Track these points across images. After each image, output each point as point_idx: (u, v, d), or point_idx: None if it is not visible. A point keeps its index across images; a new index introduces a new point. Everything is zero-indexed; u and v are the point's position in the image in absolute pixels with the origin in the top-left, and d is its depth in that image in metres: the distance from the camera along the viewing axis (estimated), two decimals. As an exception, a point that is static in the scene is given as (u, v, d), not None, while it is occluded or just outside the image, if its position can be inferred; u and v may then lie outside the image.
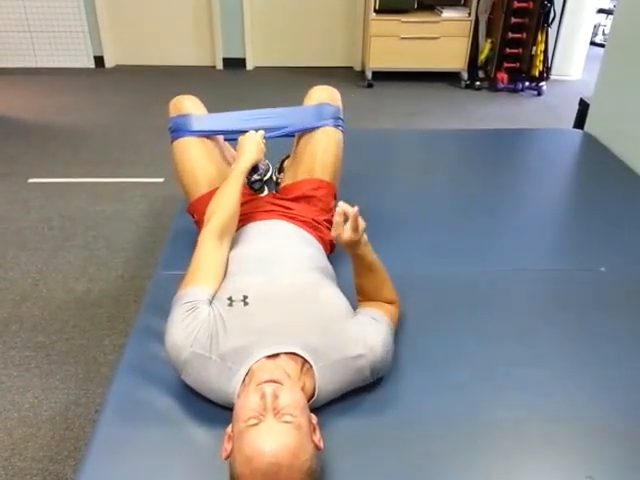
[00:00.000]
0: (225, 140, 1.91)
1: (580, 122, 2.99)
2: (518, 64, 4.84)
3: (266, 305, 1.26)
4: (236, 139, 1.75)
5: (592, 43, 5.42)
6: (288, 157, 2.00)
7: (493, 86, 4.93)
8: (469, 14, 4.75)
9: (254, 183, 2.02)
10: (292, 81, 5.04)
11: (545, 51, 4.71)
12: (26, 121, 4.19)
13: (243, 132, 1.74)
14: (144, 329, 1.49)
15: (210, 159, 1.77)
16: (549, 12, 4.57)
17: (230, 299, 1.27)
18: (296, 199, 1.74)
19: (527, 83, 4.87)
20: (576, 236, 1.98)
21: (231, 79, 5.19)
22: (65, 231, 2.88)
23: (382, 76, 5.00)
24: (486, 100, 4.77)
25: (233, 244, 1.49)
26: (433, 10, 4.82)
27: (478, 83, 4.96)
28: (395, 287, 1.45)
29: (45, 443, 1.80)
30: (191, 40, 5.33)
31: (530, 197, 2.22)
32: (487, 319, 1.56)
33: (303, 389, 1.15)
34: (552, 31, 4.78)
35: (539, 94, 4.85)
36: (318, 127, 1.80)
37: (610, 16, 5.80)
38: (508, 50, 4.77)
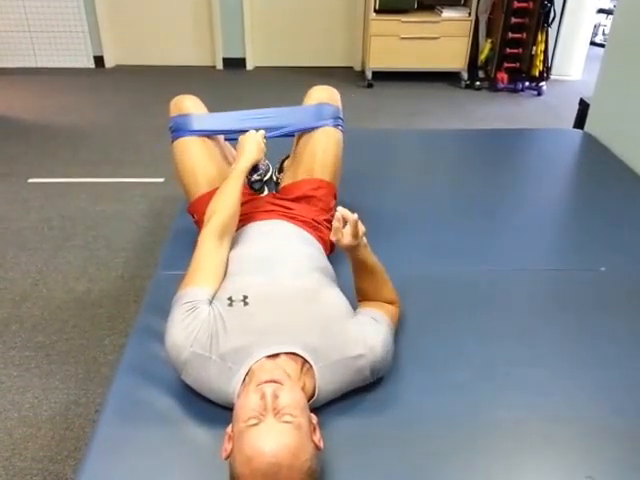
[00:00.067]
0: (225, 140, 1.91)
1: (580, 122, 2.99)
2: (518, 64, 4.84)
3: (266, 305, 1.26)
4: (236, 139, 1.75)
5: (592, 43, 5.42)
6: (288, 157, 2.00)
7: (493, 86, 4.93)
8: (469, 14, 4.75)
9: (254, 183, 2.02)
10: (292, 81, 5.04)
11: (545, 51, 4.71)
12: (26, 121, 4.19)
13: (243, 132, 1.74)
14: (144, 329, 1.49)
15: (210, 159, 1.77)
16: (549, 12, 4.57)
17: (230, 299, 1.27)
18: (296, 199, 1.74)
19: (527, 83, 4.87)
20: (576, 236, 1.98)
21: (231, 79, 5.19)
22: (65, 231, 2.88)
23: (382, 76, 5.00)
24: (486, 100, 4.77)
25: (233, 244, 1.49)
26: (433, 10, 4.83)
27: (478, 83, 4.96)
28: (395, 287, 1.45)
29: (45, 443, 1.80)
30: (191, 40, 5.33)
31: (530, 197, 2.22)
32: (487, 319, 1.56)
33: (303, 389, 1.15)
34: (552, 31, 4.78)
35: (539, 94, 4.85)
36: (318, 127, 1.80)
37: (610, 16, 5.80)
38: (508, 50, 4.77)
